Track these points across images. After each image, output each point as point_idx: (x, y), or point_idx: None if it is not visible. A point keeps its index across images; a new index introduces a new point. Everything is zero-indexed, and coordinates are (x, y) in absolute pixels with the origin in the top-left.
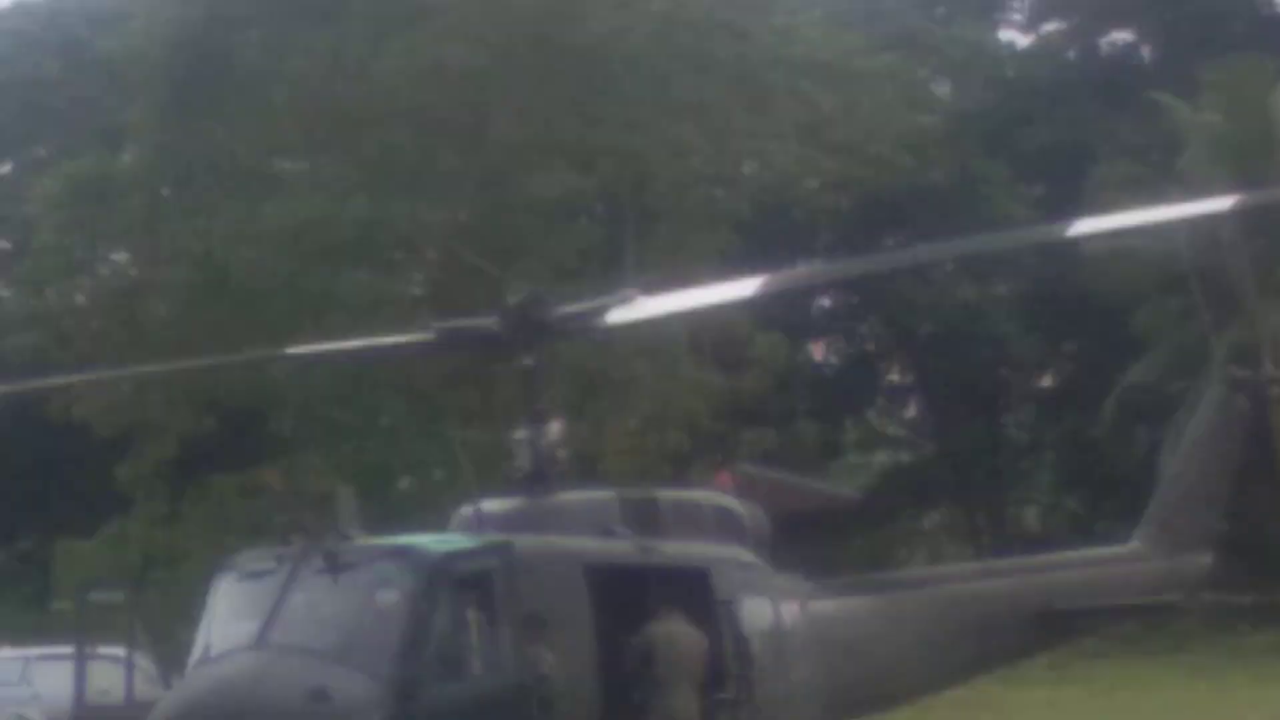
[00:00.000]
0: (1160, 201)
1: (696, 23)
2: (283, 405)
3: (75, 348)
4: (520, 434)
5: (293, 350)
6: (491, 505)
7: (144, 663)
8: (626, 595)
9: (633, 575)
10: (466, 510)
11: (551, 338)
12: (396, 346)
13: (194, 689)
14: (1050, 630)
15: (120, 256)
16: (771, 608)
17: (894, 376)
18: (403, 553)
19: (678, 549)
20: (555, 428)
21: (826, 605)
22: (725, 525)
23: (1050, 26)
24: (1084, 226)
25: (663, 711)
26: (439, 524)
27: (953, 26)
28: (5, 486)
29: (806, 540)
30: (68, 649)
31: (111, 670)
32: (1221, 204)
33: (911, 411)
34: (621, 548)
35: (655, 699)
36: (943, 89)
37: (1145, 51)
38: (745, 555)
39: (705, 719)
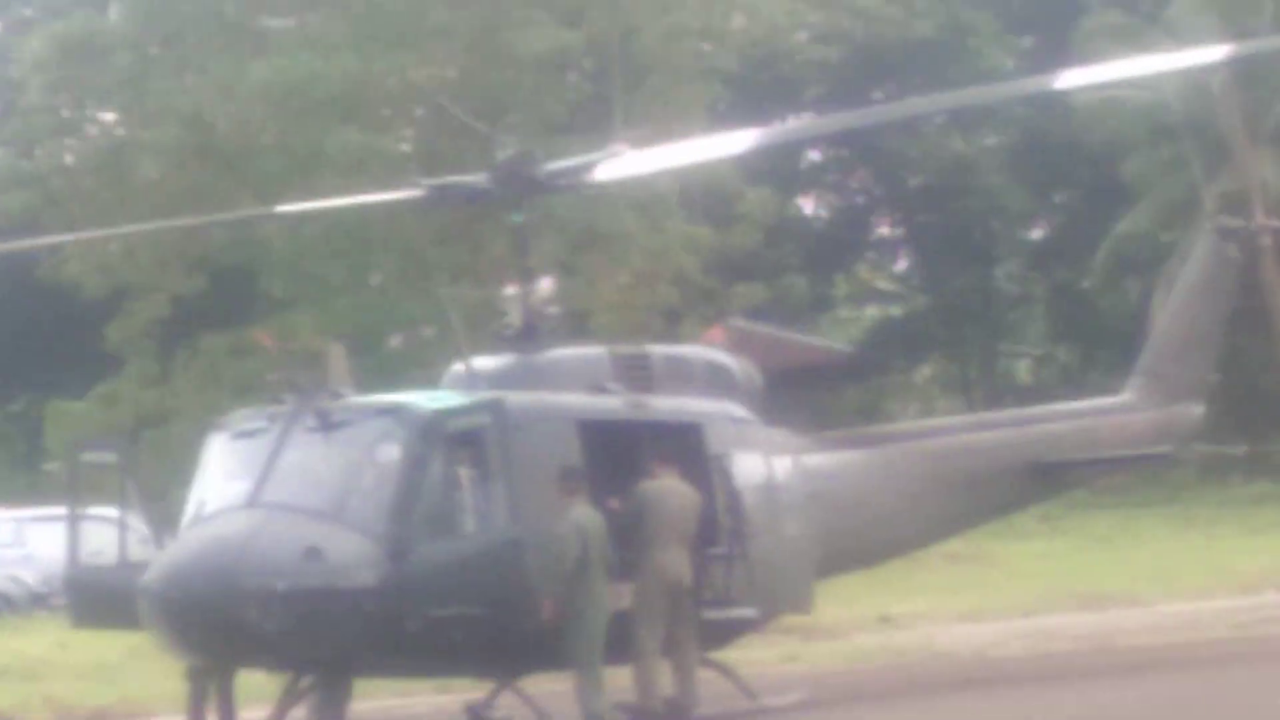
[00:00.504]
0: (1149, 51)
1: None
2: (273, 264)
3: (64, 208)
4: (510, 291)
5: (282, 208)
6: (483, 362)
7: (137, 523)
8: (618, 451)
9: (624, 431)
10: (458, 367)
11: (541, 193)
12: (385, 203)
13: (187, 549)
14: (1042, 482)
15: (108, 116)
16: (763, 462)
17: (884, 230)
18: (395, 410)
19: (669, 404)
20: (545, 284)
21: (818, 459)
22: (717, 380)
23: None
24: (1073, 77)
25: (653, 568)
26: (430, 381)
27: None
28: (11, 346)
29: (798, 395)
30: (60, 510)
31: (104, 531)
32: (1210, 54)
33: (902, 265)
34: (613, 404)
35: (646, 556)
36: None
37: None
38: (737, 410)
39: (697, 575)
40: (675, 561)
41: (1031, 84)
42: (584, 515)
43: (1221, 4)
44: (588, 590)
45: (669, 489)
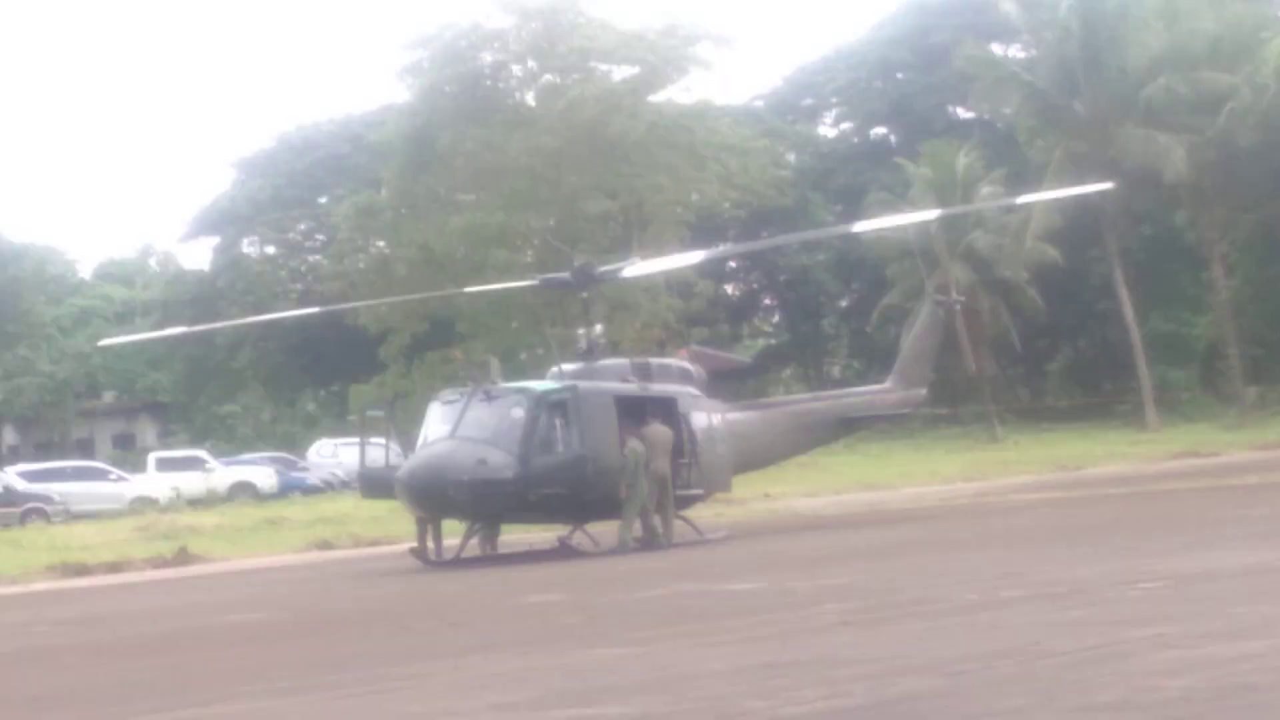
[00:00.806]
0: (899, 212)
1: (669, 123)
2: (463, 317)
3: (359, 290)
4: (580, 331)
5: (468, 289)
6: (567, 367)
7: (395, 447)
8: (633, 412)
9: (636, 402)
10: (554, 370)
11: (596, 283)
12: (519, 287)
13: (419, 459)
14: (846, 428)
15: (380, 243)
16: (707, 417)
17: (767, 301)
18: (522, 390)
19: (659, 388)
20: (598, 328)
21: (734, 415)
22: (683, 377)
23: (845, 125)
24: (861, 226)
25: (651, 470)
26: (541, 377)
27: (797, 124)
28: (329, 361)
29: (725, 385)
30: (355, 439)
31: (378, 451)
32: (930, 214)
33: (776, 319)
34: (631, 388)
35: (648, 462)
36: (791, 157)
37: (893, 138)
38: (694, 391)
39: (673, 472)
40: (661, 465)
41: (840, 229)
42: (634, 444)
43: (936, 192)
44: (636, 481)
45: (657, 429)
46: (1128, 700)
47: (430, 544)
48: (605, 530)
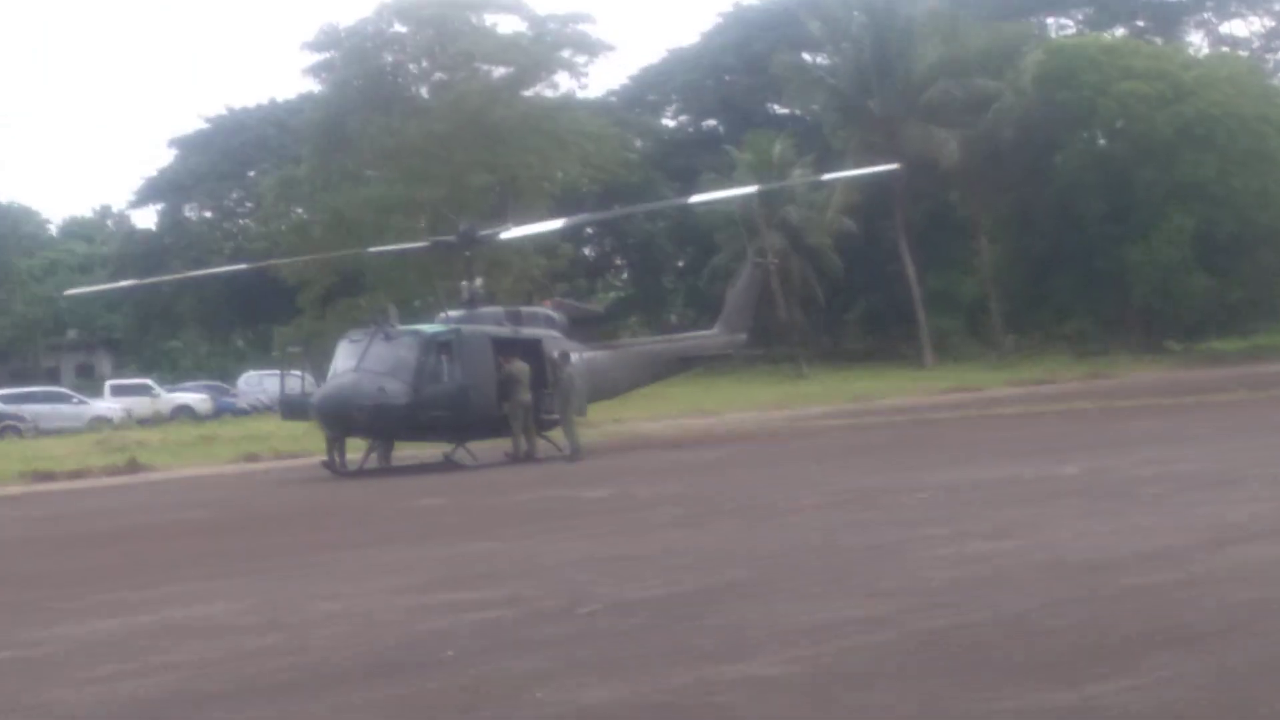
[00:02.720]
0: (727, 188)
1: (539, 113)
2: (368, 271)
3: (281, 249)
4: (464, 284)
5: (372, 249)
6: (452, 313)
7: (309, 378)
8: (506, 351)
9: (508, 343)
10: (442, 315)
11: (478, 244)
12: (414, 248)
13: (330, 387)
14: (682, 365)
15: (299, 211)
16: (567, 355)
17: (618, 261)
18: (414, 332)
19: (529, 332)
20: (478, 281)
21: (591, 354)
22: (549, 322)
23: (682, 117)
24: (697, 198)
25: (517, 400)
26: (431, 321)
27: (643, 116)
28: (256, 307)
29: (583, 329)
30: (277, 371)
31: (296, 381)
32: (750, 189)
33: (625, 276)
34: (505, 331)
35: (514, 393)
36: (638, 143)
37: (721, 128)
38: (556, 334)
39: (539, 400)
40: (525, 395)
41: (679, 202)
42: (515, 367)
43: (756, 173)
44: (519, 397)
45: (518, 365)
46: (904, 587)
47: (337, 458)
48: (481, 447)
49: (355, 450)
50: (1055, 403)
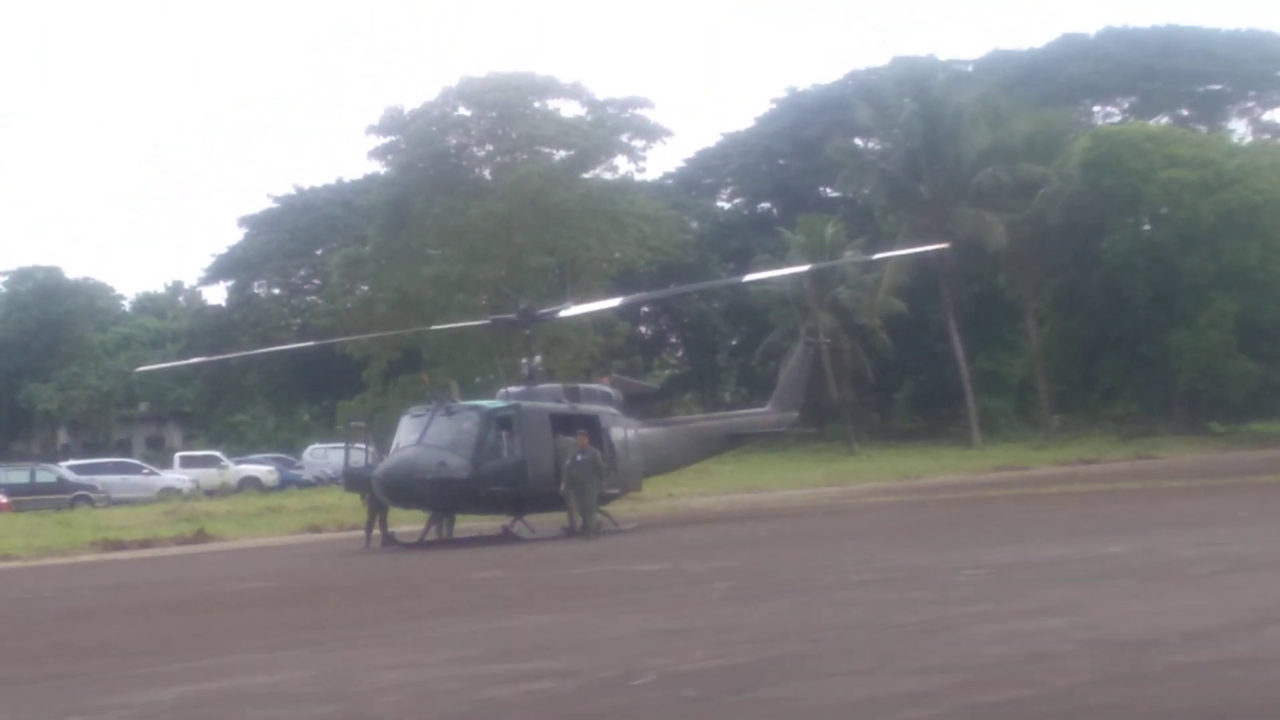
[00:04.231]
0: (780, 268)
1: (597, 195)
2: (429, 348)
3: (346, 325)
4: (523, 361)
5: (435, 326)
6: (512, 389)
7: (372, 451)
8: (564, 428)
9: (567, 419)
10: (502, 391)
11: (537, 322)
12: (475, 325)
13: (393, 460)
14: (734, 442)
15: (364, 288)
16: (623, 431)
17: (672, 339)
18: (475, 408)
19: (586, 408)
20: (537, 358)
21: (647, 430)
22: (606, 399)
23: (737, 200)
24: (749, 277)
25: (577, 478)
26: (491, 397)
27: (699, 199)
28: (321, 381)
29: (638, 406)
30: (342, 444)
31: (359, 454)
32: (802, 268)
33: (680, 354)
34: (563, 408)
35: (575, 470)
36: (694, 225)
37: (775, 210)
38: (613, 411)
39: (599, 474)
40: (588, 471)
41: (732, 281)
42: (577, 447)
43: (808, 254)
44: (583, 479)
45: (569, 441)
46: (953, 664)
47: (377, 531)
48: (539, 521)
49: (414, 523)
50: (1101, 483)
